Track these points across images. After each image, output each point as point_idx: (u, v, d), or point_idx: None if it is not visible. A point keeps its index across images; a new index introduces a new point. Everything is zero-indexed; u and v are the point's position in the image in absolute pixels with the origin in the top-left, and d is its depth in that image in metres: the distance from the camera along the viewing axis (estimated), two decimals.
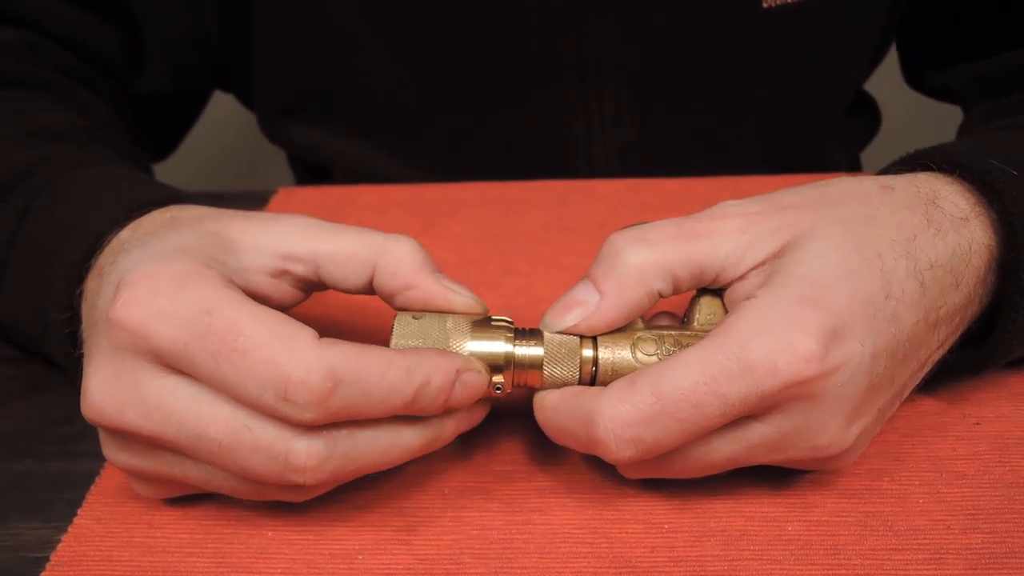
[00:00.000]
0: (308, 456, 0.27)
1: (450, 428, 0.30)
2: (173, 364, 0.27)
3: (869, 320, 0.28)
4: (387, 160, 0.59)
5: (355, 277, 0.31)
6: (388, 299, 0.32)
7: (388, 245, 0.31)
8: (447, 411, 0.29)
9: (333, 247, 0.31)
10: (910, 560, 0.29)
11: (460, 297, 0.31)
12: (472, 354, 0.30)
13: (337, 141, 0.60)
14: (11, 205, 0.36)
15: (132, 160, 0.46)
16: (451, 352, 0.30)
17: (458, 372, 0.29)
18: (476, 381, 0.30)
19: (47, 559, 0.30)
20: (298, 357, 0.26)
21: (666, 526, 0.31)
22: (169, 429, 0.27)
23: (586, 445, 0.29)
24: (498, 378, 0.30)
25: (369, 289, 0.32)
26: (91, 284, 0.32)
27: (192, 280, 0.28)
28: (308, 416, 0.26)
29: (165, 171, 0.59)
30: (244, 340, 0.26)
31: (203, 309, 0.27)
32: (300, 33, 0.54)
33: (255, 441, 0.27)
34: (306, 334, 0.27)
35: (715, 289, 0.32)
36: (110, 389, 0.28)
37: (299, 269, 0.31)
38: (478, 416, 0.32)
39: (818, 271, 0.29)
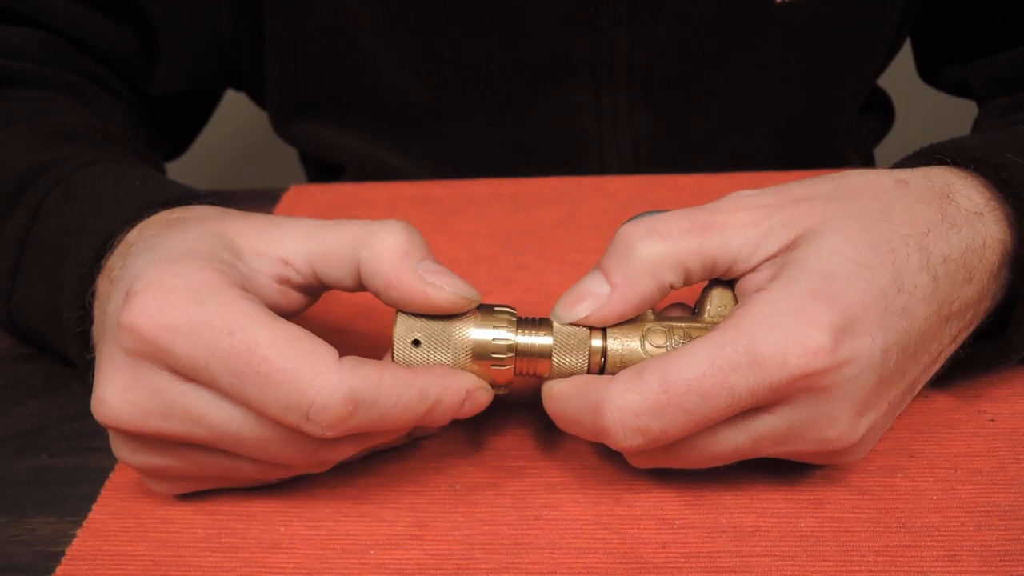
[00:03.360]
0: (340, 443, 0.29)
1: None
2: (190, 376, 0.28)
3: (880, 314, 0.28)
4: (400, 158, 0.59)
5: (347, 276, 0.30)
6: (377, 296, 0.31)
7: (369, 238, 0.30)
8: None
9: (323, 247, 0.30)
10: (924, 557, 0.29)
11: (442, 294, 0.29)
12: (475, 342, 0.30)
13: (349, 140, 0.60)
14: (24, 204, 0.37)
15: (146, 159, 0.47)
16: (462, 372, 0.30)
17: (468, 392, 0.30)
18: (483, 399, 0.31)
19: (63, 553, 0.31)
20: (321, 380, 0.27)
21: (678, 522, 0.31)
22: (201, 431, 0.28)
23: (593, 433, 0.29)
24: (498, 389, 0.31)
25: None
26: (102, 286, 0.32)
27: (208, 293, 0.27)
28: (329, 434, 0.27)
29: (178, 170, 0.59)
30: (268, 364, 0.27)
31: (225, 329, 0.27)
32: (313, 34, 0.54)
33: (287, 437, 0.28)
34: (328, 355, 0.27)
35: (726, 280, 0.32)
36: (128, 396, 0.28)
37: (297, 276, 0.31)
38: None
39: (830, 265, 0.28)
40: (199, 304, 0.27)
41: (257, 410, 0.27)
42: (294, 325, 0.28)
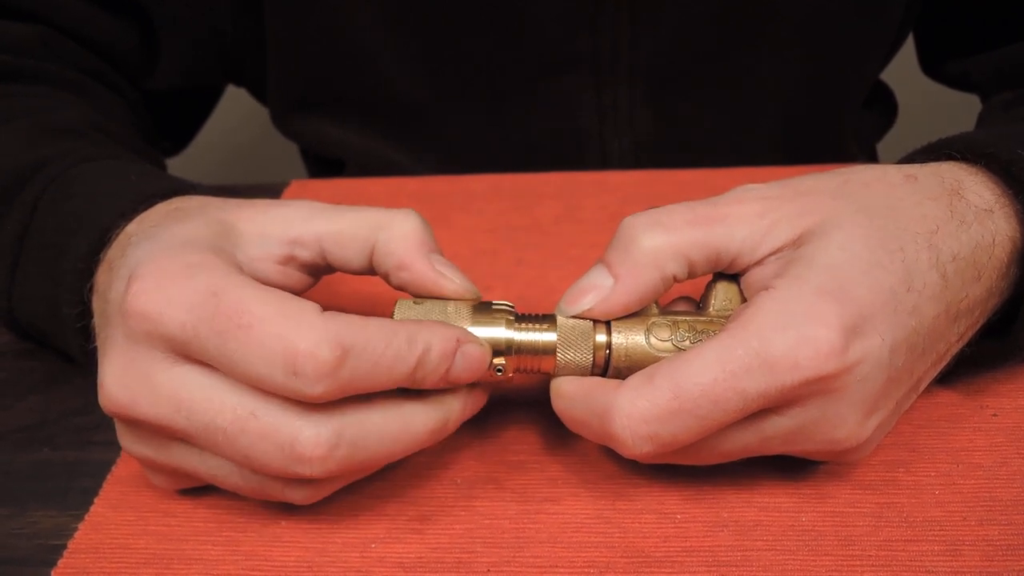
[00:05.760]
0: (315, 444, 0.27)
1: (456, 410, 0.30)
2: (184, 351, 0.27)
3: (889, 314, 0.28)
4: (401, 154, 0.59)
5: (357, 257, 0.31)
6: (385, 278, 0.32)
7: (387, 221, 0.31)
8: (449, 385, 0.29)
9: (336, 227, 0.31)
10: (925, 552, 0.29)
11: (451, 284, 0.31)
12: None
13: (350, 136, 0.60)
14: (22, 201, 0.37)
15: (146, 155, 0.47)
16: (451, 324, 0.30)
17: (458, 341, 0.29)
18: (476, 353, 0.29)
19: (64, 546, 0.31)
20: (305, 329, 0.26)
21: (679, 516, 0.31)
22: (179, 419, 0.28)
23: (602, 438, 0.29)
24: (499, 360, 0.30)
25: (372, 268, 0.32)
26: (101, 278, 0.32)
27: (201, 268, 0.28)
28: (318, 389, 0.26)
29: (179, 165, 0.59)
30: (250, 316, 0.26)
31: (210, 292, 0.27)
32: (313, 33, 0.54)
33: (261, 428, 0.27)
34: (311, 307, 0.27)
35: (732, 274, 0.31)
36: (123, 380, 0.28)
37: (305, 254, 0.31)
38: (480, 400, 0.32)
39: (839, 263, 0.28)
40: (191, 277, 0.27)
41: (243, 374, 0.27)
42: (278, 289, 0.28)
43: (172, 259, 0.28)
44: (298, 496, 0.29)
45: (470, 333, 0.30)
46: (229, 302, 0.27)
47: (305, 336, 0.26)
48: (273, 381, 0.26)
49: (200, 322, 0.27)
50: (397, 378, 0.28)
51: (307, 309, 0.27)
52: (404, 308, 0.31)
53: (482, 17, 0.52)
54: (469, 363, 0.29)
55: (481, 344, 0.30)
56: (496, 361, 0.30)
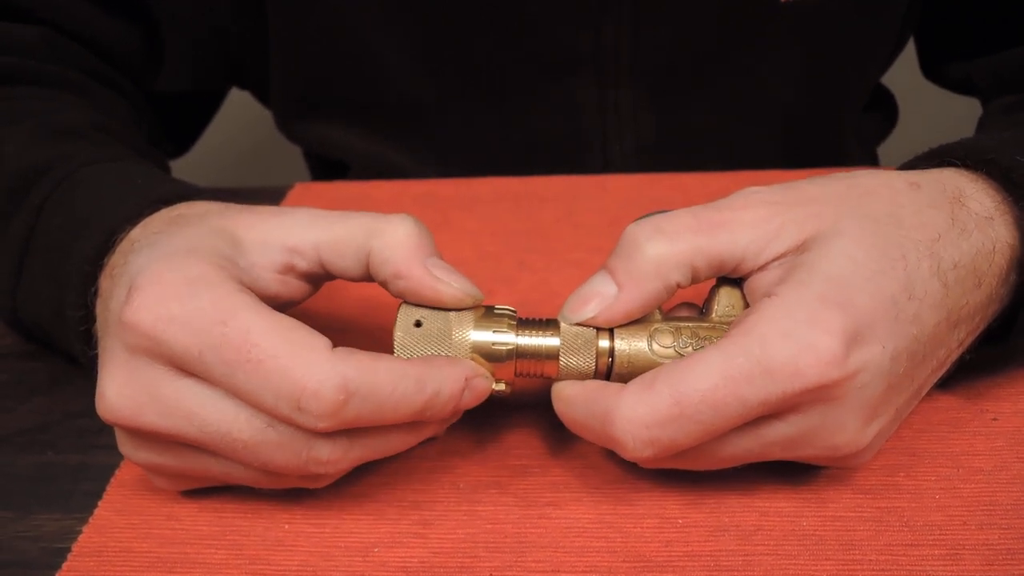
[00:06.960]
0: (331, 451, 0.28)
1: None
2: (187, 368, 0.28)
3: (891, 322, 0.28)
4: (403, 156, 0.60)
5: (354, 265, 0.31)
6: (383, 286, 0.31)
7: (382, 228, 0.30)
8: (451, 413, 0.30)
9: (331, 235, 0.31)
10: (926, 556, 0.29)
11: (450, 289, 0.30)
12: (475, 344, 0.30)
13: (353, 138, 0.60)
14: (27, 203, 0.37)
15: (150, 157, 0.47)
16: (459, 360, 0.30)
17: (467, 380, 0.29)
18: (483, 386, 0.30)
19: (68, 550, 0.31)
20: (312, 369, 0.26)
21: (680, 521, 0.31)
22: (191, 429, 0.28)
23: (603, 441, 0.29)
24: (499, 386, 0.31)
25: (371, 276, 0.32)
26: (104, 283, 0.32)
27: (204, 285, 0.28)
28: (321, 425, 0.27)
29: (182, 168, 0.59)
30: (258, 351, 0.26)
31: (218, 319, 0.27)
32: (314, 33, 0.54)
33: (280, 440, 0.28)
34: (320, 344, 0.27)
35: (734, 279, 0.32)
36: (126, 391, 0.28)
37: (303, 263, 0.31)
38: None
39: (842, 270, 0.28)
40: (194, 295, 0.27)
41: (250, 401, 0.27)
42: (288, 317, 0.28)
43: (173, 271, 0.28)
44: (314, 485, 0.31)
45: (477, 367, 0.30)
46: (236, 332, 0.27)
47: (312, 376, 0.26)
48: (279, 412, 0.27)
49: (206, 349, 0.27)
50: (403, 417, 0.28)
51: (316, 345, 0.27)
52: (407, 312, 0.31)
53: (484, 17, 0.52)
54: (475, 395, 0.30)
55: (487, 376, 0.30)
56: (496, 388, 0.31)
